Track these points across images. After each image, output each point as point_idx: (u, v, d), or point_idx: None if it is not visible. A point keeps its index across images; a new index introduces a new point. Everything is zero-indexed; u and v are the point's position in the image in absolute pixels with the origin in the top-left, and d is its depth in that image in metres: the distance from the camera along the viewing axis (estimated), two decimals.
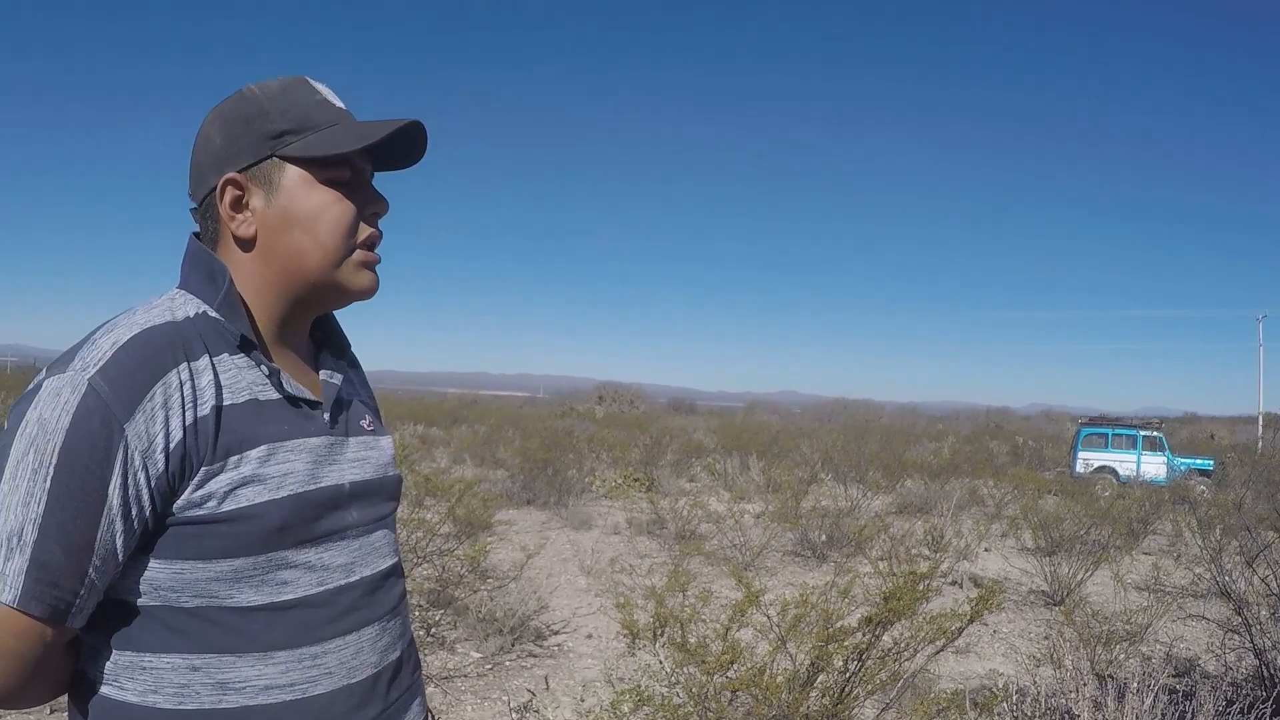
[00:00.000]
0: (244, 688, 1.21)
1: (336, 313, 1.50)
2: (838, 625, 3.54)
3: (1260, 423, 44.96)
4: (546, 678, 5.31)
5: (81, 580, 1.14)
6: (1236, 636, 5.73)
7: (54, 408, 1.12)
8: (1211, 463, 22.58)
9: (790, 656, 3.66)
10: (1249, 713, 3.99)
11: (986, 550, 11.84)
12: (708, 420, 44.33)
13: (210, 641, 1.20)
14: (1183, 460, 22.57)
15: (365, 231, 1.36)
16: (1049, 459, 28.03)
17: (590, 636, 7.13)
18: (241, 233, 1.30)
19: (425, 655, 6.06)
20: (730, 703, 3.25)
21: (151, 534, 1.19)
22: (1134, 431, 23.09)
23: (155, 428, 1.15)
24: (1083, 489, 15.08)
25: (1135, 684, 3.96)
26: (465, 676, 5.85)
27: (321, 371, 1.42)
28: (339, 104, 1.36)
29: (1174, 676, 5.87)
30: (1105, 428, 23.65)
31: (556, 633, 7.13)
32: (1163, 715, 3.97)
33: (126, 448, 1.13)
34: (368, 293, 1.39)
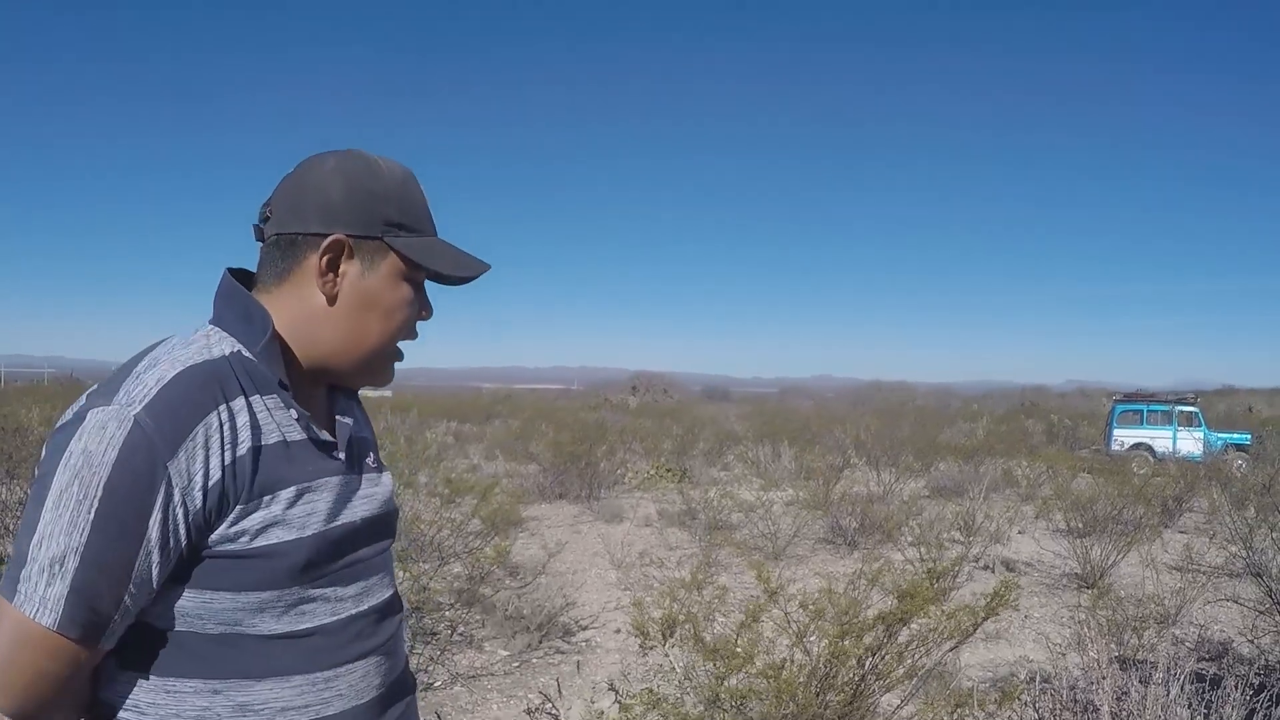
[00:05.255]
0: (262, 709, 1.28)
1: None
2: (854, 620, 3.52)
3: None
4: (558, 681, 5.30)
5: (117, 605, 1.20)
6: (1269, 618, 5.65)
7: (99, 441, 1.17)
8: (1249, 437, 22.30)
9: (807, 652, 3.65)
10: (1278, 704, 3.91)
11: (1020, 533, 11.75)
12: (741, 407, 44.33)
13: (232, 666, 1.27)
14: (1219, 435, 22.30)
15: (413, 332, 1.46)
16: (1084, 437, 27.79)
17: (619, 631, 7.12)
18: (325, 291, 1.36)
19: (453, 654, 6.10)
20: (742, 705, 3.24)
21: (186, 564, 1.24)
22: (1169, 407, 22.83)
23: (196, 466, 1.20)
24: (1118, 467, 14.93)
25: (1160, 673, 3.90)
26: (492, 675, 5.88)
27: (337, 414, 1.46)
28: (429, 212, 1.45)
29: (1206, 660, 5.79)
30: (1140, 404, 23.40)
31: (585, 628, 7.15)
32: (1189, 704, 3.90)
33: (169, 485, 1.18)
34: (383, 385, 1.49)
